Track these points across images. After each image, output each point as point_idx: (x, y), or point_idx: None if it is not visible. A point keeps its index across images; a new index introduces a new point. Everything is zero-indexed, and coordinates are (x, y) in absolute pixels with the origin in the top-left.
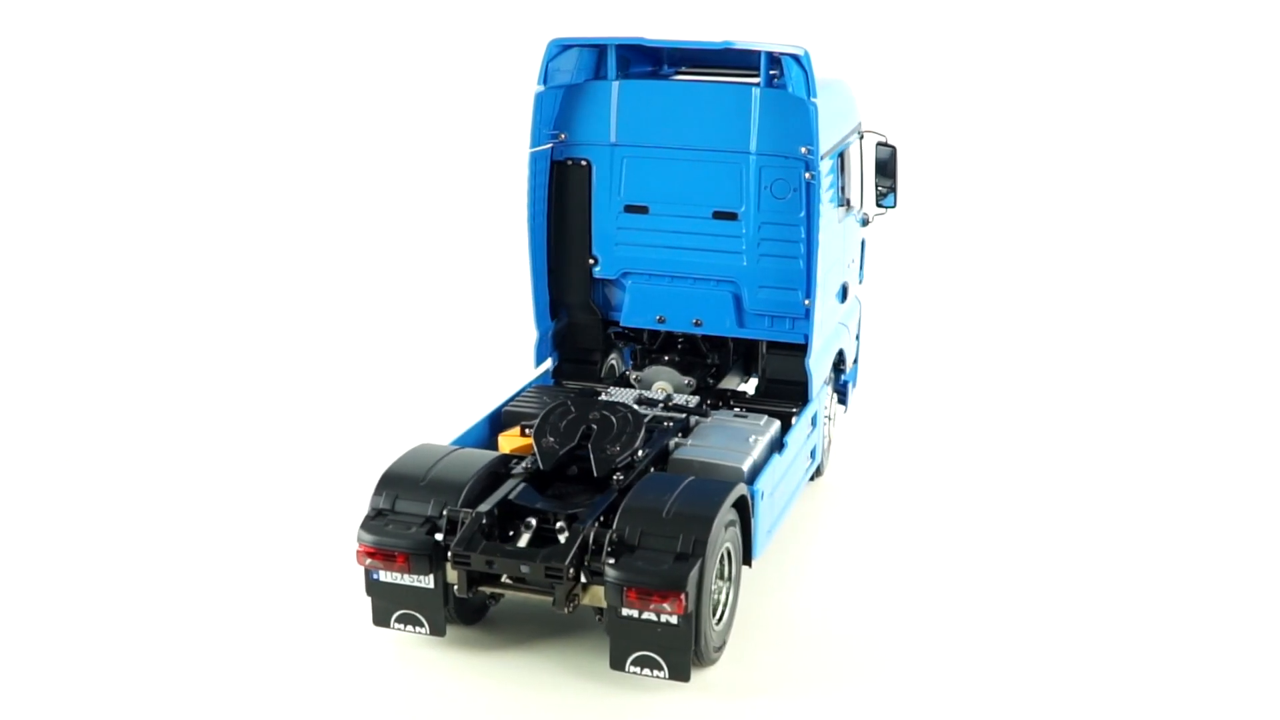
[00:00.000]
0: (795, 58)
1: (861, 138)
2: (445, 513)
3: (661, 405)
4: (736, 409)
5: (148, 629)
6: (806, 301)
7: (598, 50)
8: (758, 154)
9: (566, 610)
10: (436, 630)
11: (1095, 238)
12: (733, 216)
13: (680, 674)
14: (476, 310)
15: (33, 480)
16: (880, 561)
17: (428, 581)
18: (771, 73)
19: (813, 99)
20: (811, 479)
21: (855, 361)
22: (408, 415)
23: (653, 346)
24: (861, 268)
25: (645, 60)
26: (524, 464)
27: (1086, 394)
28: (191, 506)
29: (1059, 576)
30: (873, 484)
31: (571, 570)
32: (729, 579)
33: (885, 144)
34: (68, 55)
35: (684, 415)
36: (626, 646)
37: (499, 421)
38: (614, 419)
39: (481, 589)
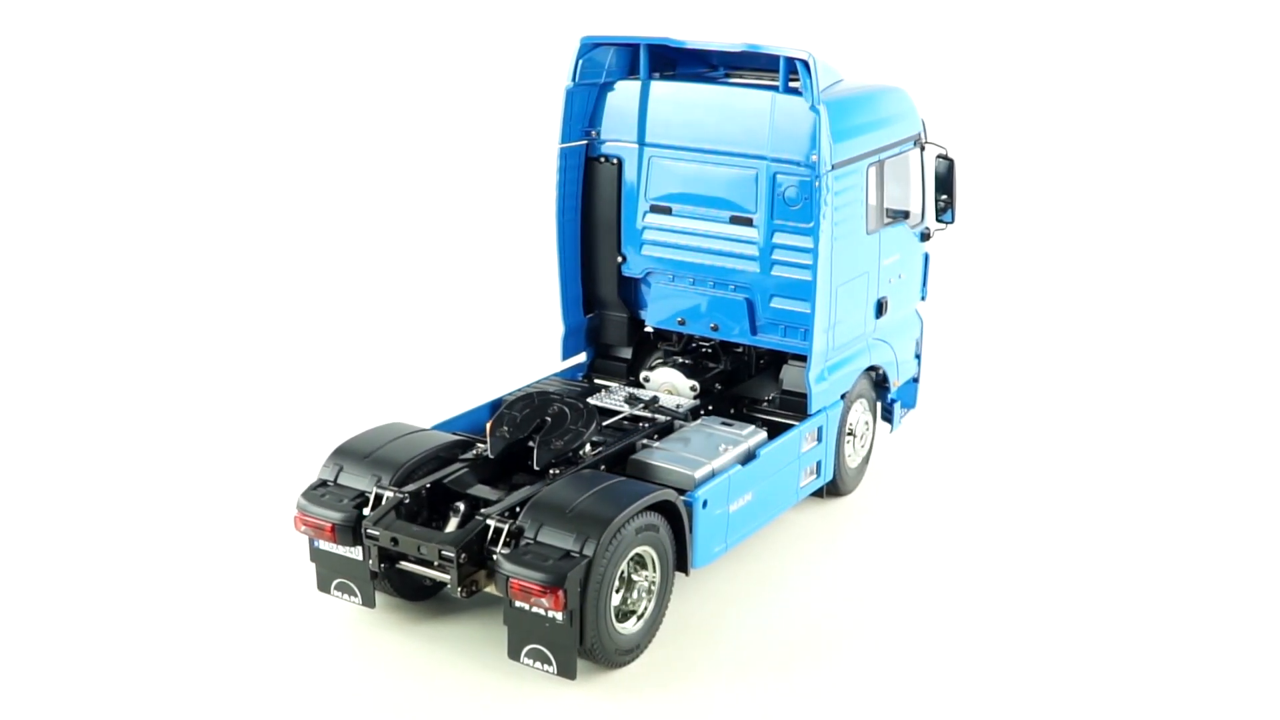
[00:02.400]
0: (801, 62)
1: (922, 149)
2: (375, 489)
3: (643, 405)
4: (724, 417)
5: (130, 580)
6: None
7: (632, 49)
8: (771, 160)
9: (460, 594)
10: (367, 601)
11: (1169, 264)
12: (748, 222)
13: (567, 671)
14: (518, 303)
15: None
16: (861, 585)
17: (356, 553)
18: (792, 78)
19: (817, 105)
20: (822, 495)
21: (915, 380)
22: (427, 401)
23: (676, 347)
24: (924, 283)
25: (695, 62)
26: (475, 450)
27: (1154, 435)
28: (207, 477)
29: (1058, 633)
30: (895, 508)
31: (464, 556)
32: (651, 585)
33: (944, 157)
34: (89, 55)
35: (668, 418)
36: (521, 638)
37: (499, 409)
38: (569, 413)
39: (402, 565)
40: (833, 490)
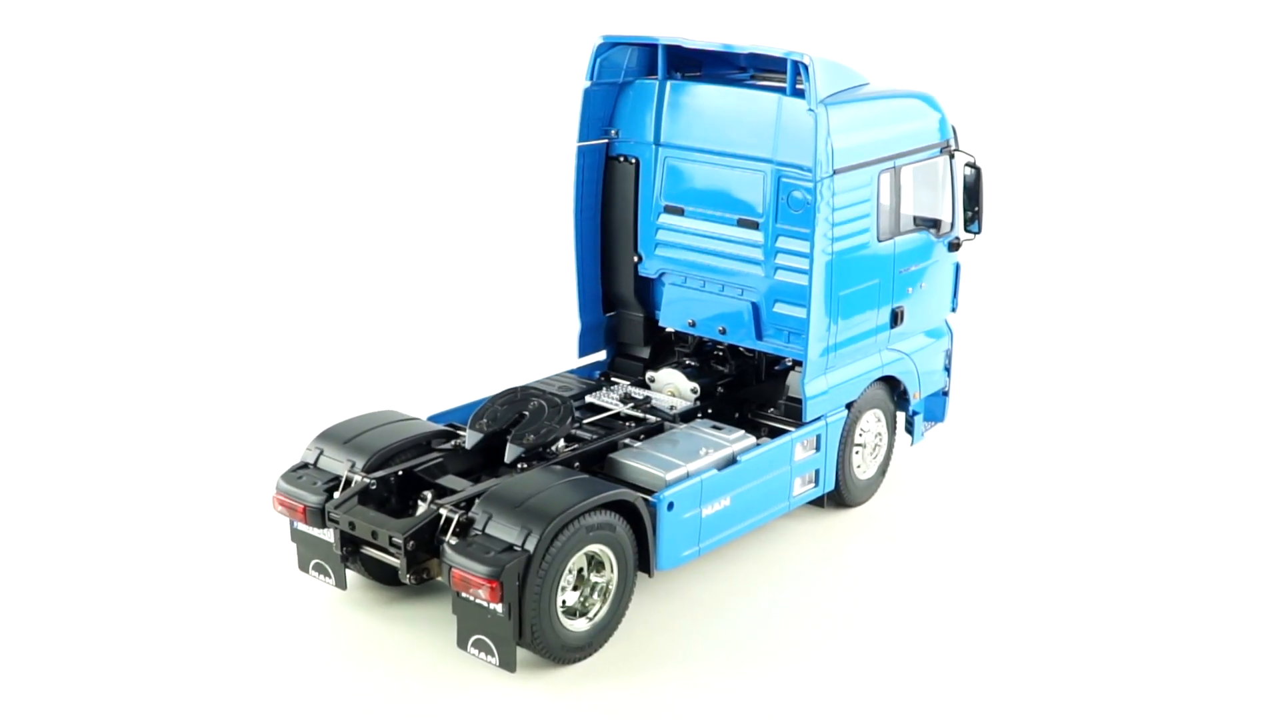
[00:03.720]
0: (802, 64)
1: (951, 157)
2: (346, 473)
3: (634, 404)
4: (725, 421)
5: (127, 564)
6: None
7: (653, 50)
8: (777, 163)
9: (410, 580)
10: (339, 583)
11: (1208, 275)
12: (754, 225)
13: (506, 664)
14: (543, 300)
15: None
16: (851, 595)
17: (328, 535)
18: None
19: (814, 107)
20: (824, 504)
21: (944, 394)
22: (443, 394)
23: (689, 349)
24: (955, 294)
25: (722, 63)
26: (454, 441)
27: (1192, 460)
28: (227, 458)
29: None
30: (901, 522)
31: (413, 543)
32: (608, 585)
33: (971, 165)
34: (90, 55)
35: (658, 419)
36: (468, 628)
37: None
38: (546, 409)
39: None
40: (840, 501)
